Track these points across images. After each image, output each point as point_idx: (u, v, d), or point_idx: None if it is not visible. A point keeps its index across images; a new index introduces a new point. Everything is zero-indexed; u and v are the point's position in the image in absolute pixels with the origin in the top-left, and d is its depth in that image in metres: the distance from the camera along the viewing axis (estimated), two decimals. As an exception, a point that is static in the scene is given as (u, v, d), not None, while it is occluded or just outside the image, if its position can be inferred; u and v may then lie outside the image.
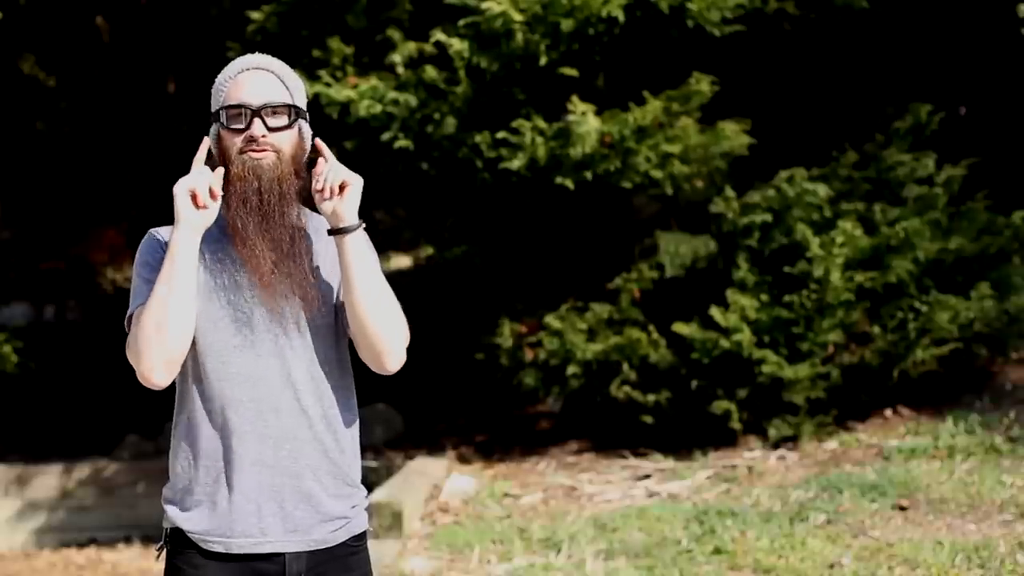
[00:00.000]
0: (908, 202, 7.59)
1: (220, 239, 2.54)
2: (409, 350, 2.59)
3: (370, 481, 7.59)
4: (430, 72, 7.28)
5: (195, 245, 2.45)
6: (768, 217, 7.27)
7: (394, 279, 2.63)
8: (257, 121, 2.49)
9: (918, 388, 7.58)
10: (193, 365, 2.52)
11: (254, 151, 2.49)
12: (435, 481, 7.08)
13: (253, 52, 2.68)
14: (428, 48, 7.52)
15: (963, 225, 7.61)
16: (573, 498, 6.74)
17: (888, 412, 7.54)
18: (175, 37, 10.11)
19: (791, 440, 7.26)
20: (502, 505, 6.70)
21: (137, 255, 2.57)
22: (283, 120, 2.52)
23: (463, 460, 7.78)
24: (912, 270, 7.27)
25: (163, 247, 2.51)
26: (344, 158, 8.24)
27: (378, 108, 7.24)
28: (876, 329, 7.37)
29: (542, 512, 6.51)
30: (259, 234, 2.48)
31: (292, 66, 2.70)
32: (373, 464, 7.81)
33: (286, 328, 2.51)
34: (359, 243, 2.51)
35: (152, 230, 2.59)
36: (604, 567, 5.42)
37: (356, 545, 2.59)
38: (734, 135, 7.32)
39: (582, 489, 6.87)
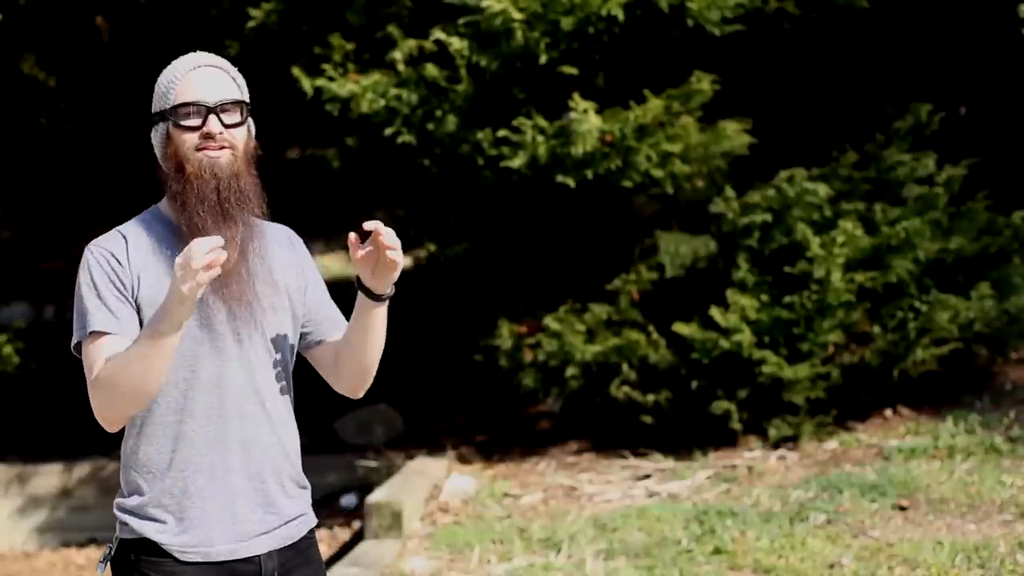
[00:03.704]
0: (908, 202, 7.58)
1: (174, 243, 2.49)
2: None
3: (370, 481, 7.62)
4: (431, 70, 7.27)
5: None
6: (768, 217, 7.26)
7: (394, 279, 2.63)
8: (213, 118, 2.48)
9: (918, 388, 7.57)
10: None
11: (211, 149, 2.48)
12: (435, 481, 7.07)
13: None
14: (428, 46, 7.51)
15: (963, 225, 7.61)
16: (573, 498, 6.74)
17: (888, 412, 7.53)
18: (175, 37, 10.09)
19: (791, 440, 7.26)
20: (502, 505, 6.69)
21: (86, 273, 2.48)
22: (237, 117, 2.52)
23: (463, 460, 7.77)
24: (912, 270, 7.26)
25: (116, 260, 2.46)
26: (346, 154, 8.26)
27: (380, 104, 7.22)
28: (876, 329, 7.36)
29: (542, 512, 6.50)
30: (218, 232, 2.43)
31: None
32: (373, 464, 7.80)
33: (249, 332, 2.51)
34: (385, 308, 2.58)
35: (93, 245, 2.52)
36: (604, 567, 5.42)
37: (311, 537, 2.67)
38: (735, 134, 7.32)
39: (582, 489, 6.86)
